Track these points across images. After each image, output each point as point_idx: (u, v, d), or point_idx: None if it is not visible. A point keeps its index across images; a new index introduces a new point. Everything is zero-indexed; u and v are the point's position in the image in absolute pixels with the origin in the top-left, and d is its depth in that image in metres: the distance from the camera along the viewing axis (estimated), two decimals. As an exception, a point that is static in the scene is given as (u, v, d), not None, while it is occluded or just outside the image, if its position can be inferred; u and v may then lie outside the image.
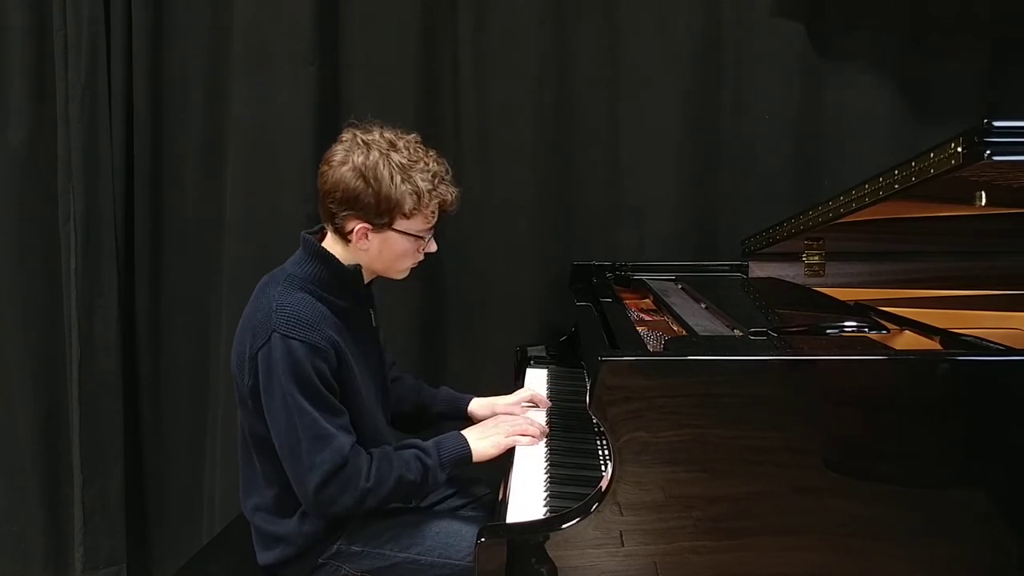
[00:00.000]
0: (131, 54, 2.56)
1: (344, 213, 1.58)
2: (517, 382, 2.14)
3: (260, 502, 1.67)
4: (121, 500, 2.64)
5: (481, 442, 1.66)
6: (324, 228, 1.67)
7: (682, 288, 2.15)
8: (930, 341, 1.53)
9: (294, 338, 1.52)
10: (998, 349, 1.36)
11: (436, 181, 1.60)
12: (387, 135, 1.60)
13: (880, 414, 1.29)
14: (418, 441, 1.65)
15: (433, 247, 1.69)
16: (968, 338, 1.43)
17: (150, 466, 2.72)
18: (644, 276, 2.31)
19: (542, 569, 1.28)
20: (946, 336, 1.49)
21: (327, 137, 2.48)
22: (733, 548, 1.28)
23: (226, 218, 2.60)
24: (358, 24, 2.54)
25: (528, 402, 1.93)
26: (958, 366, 1.33)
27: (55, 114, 2.55)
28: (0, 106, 2.58)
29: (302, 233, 1.67)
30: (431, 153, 1.63)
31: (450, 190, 1.63)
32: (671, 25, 2.49)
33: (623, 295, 2.18)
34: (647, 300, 2.14)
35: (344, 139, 1.62)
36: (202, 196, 2.63)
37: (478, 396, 1.96)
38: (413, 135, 1.64)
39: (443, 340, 2.62)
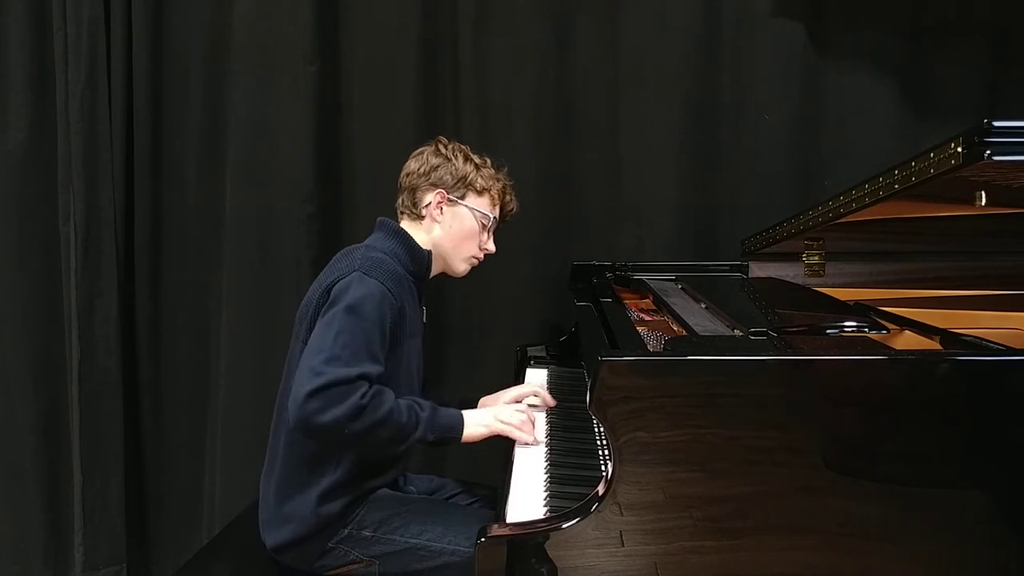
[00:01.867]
0: (131, 54, 2.56)
1: (426, 184, 1.81)
2: (517, 382, 2.14)
3: (282, 474, 1.69)
4: (121, 500, 2.64)
5: (473, 424, 1.69)
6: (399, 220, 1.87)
7: (682, 288, 2.14)
8: (930, 341, 1.53)
9: (375, 278, 1.64)
10: (998, 349, 1.36)
11: (501, 176, 1.88)
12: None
13: (880, 414, 1.29)
14: (419, 399, 1.69)
15: (492, 246, 1.87)
16: (968, 338, 1.43)
17: (150, 466, 2.72)
18: (644, 276, 2.30)
19: (542, 569, 1.28)
20: (946, 336, 1.49)
21: (327, 137, 2.53)
22: (733, 548, 1.27)
23: (226, 218, 2.60)
24: (358, 24, 2.54)
25: (531, 401, 1.92)
26: (958, 366, 1.32)
27: (55, 114, 2.55)
28: (0, 106, 2.58)
29: (378, 218, 1.84)
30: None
31: (512, 196, 1.90)
32: (671, 25, 2.49)
33: (623, 295, 2.18)
34: (647, 300, 2.14)
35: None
36: (202, 196, 2.63)
37: (479, 396, 1.97)
38: None
39: (443, 340, 2.62)
